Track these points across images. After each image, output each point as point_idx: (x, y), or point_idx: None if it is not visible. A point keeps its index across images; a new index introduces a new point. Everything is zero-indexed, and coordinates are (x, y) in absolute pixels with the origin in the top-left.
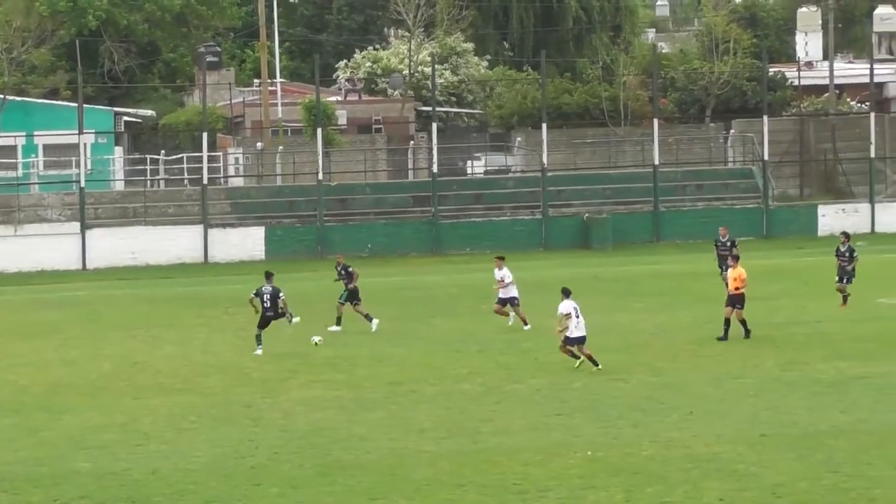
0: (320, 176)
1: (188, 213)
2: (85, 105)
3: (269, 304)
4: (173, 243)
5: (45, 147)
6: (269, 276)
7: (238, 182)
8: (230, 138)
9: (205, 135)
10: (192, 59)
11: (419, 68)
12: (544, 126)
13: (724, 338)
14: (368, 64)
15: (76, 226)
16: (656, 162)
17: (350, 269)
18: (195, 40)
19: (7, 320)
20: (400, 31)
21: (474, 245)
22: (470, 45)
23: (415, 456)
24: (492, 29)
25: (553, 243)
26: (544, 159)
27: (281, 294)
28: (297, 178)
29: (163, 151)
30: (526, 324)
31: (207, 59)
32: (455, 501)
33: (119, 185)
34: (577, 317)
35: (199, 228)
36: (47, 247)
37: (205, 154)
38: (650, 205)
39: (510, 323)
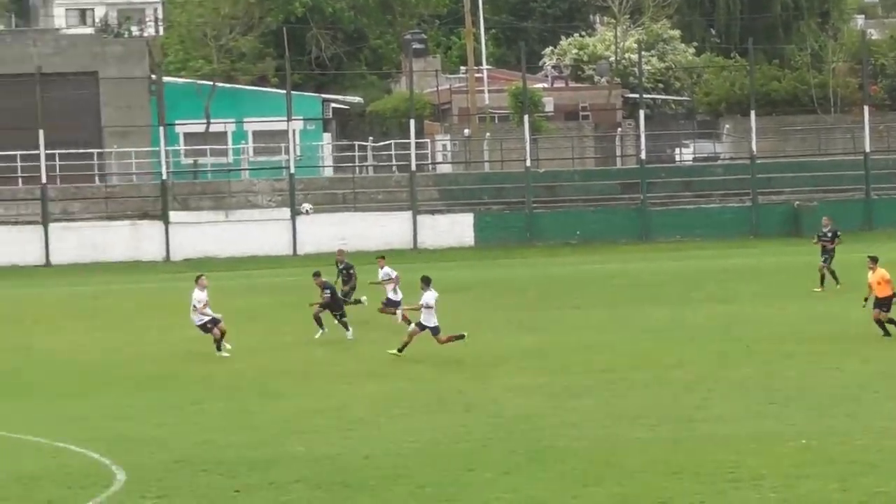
0: (528, 163)
1: (397, 200)
2: (293, 92)
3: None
4: (382, 229)
5: (255, 133)
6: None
7: (446, 168)
8: (437, 125)
9: (412, 122)
10: (398, 46)
11: (625, 55)
12: (752, 113)
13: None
14: (574, 51)
15: (286, 211)
16: (867, 149)
17: (352, 271)
18: (401, 27)
19: (218, 305)
20: (605, 17)
21: (684, 232)
22: (676, 32)
23: (627, 443)
24: (698, 16)
25: (763, 231)
26: (753, 146)
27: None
28: (504, 165)
29: (371, 138)
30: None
31: (414, 46)
32: (669, 489)
33: (328, 172)
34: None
35: (408, 214)
36: (258, 232)
37: (412, 141)
38: (861, 192)
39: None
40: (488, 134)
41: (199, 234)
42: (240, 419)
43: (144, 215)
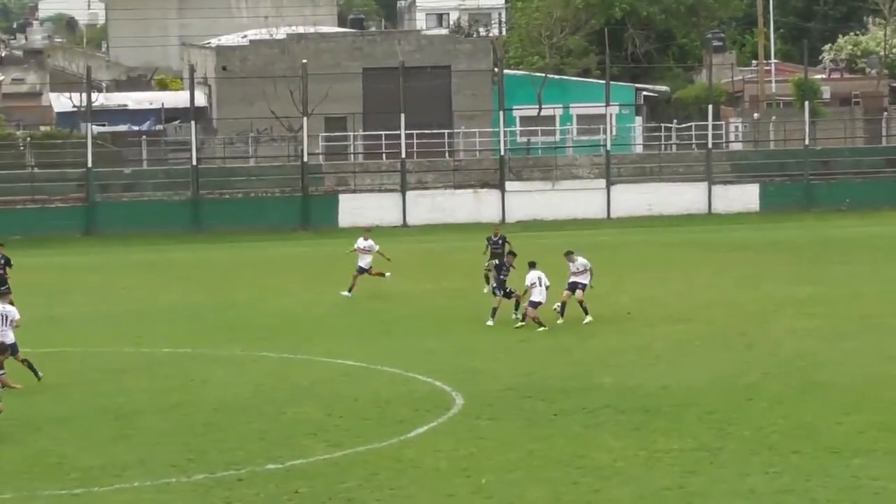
0: (807, 141)
1: (695, 173)
2: (611, 82)
3: None
4: (682, 197)
5: (578, 117)
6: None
7: (737, 146)
8: (731, 109)
9: (710, 107)
10: (700, 44)
11: (893, 50)
12: None
13: None
14: (850, 47)
15: (602, 182)
16: None
17: (510, 250)
18: (703, 28)
19: (550, 259)
20: (877, 18)
21: None
22: None
23: (885, 379)
24: None
25: None
26: None
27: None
28: (787, 144)
29: (675, 121)
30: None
31: (714, 44)
32: None
33: (638, 149)
34: (540, 285)
35: (704, 185)
36: (578, 199)
37: (710, 123)
38: None
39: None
40: (774, 117)
41: (529, 200)
42: (558, 355)
43: (485, 184)
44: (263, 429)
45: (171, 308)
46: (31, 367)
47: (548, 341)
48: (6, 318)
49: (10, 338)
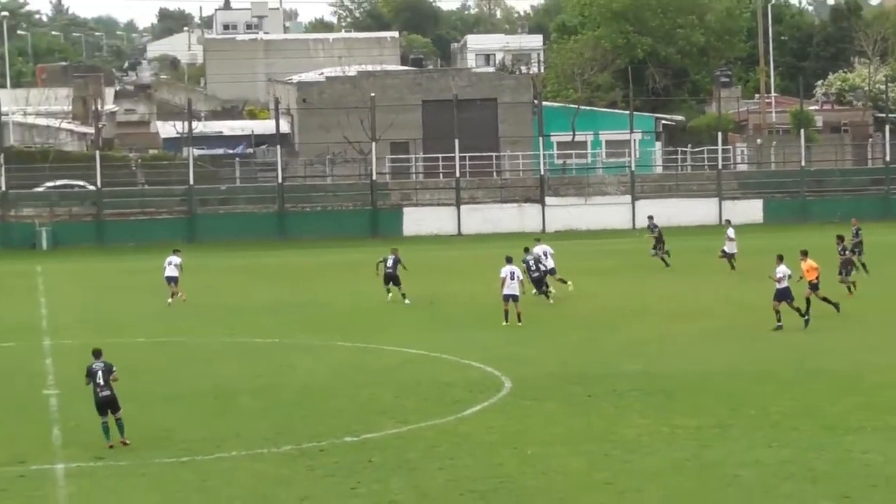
0: (803, 163)
1: (707, 190)
2: (634, 113)
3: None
4: (696, 211)
5: (607, 142)
6: None
7: (743, 167)
8: (738, 136)
9: (719, 134)
10: (710, 80)
11: (877, 86)
12: None
13: None
14: (839, 83)
15: (628, 198)
16: None
17: (660, 235)
18: (713, 66)
19: (573, 265)
20: (862, 59)
21: None
22: None
23: (870, 366)
24: None
25: None
26: None
27: None
28: (786, 165)
29: (689, 145)
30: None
31: (722, 80)
32: None
33: (658, 170)
34: (512, 279)
35: (715, 200)
36: (607, 212)
37: (719, 147)
38: None
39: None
40: (774, 143)
41: (565, 213)
42: (591, 345)
43: (527, 199)
44: (341, 407)
45: (260, 304)
46: None
47: (581, 334)
48: None
49: None
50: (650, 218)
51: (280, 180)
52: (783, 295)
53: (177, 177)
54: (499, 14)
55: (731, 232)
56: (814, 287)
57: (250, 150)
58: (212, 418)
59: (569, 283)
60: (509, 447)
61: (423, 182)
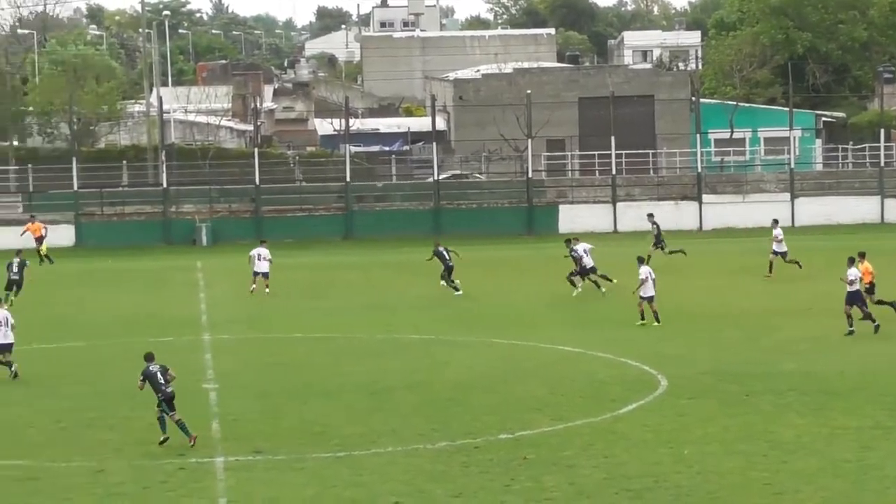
0: None
1: (868, 188)
2: (794, 109)
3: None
4: (857, 209)
5: (765, 139)
6: None
7: None
8: None
9: (882, 131)
10: (873, 76)
11: None
12: None
13: None
14: None
15: (787, 195)
16: None
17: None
18: (875, 62)
19: (741, 261)
20: None
21: None
22: None
23: None
24: None
25: None
26: None
27: None
28: None
29: (850, 142)
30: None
31: (885, 76)
32: None
33: (818, 167)
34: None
35: (877, 198)
36: (765, 210)
37: (881, 144)
38: None
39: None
40: None
41: (722, 210)
42: (745, 343)
43: (684, 197)
44: (496, 404)
45: (416, 301)
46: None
47: (736, 332)
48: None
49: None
50: (650, 216)
51: (436, 177)
52: (854, 298)
53: (334, 174)
54: (656, 10)
55: (777, 232)
56: (867, 291)
57: (406, 148)
58: (367, 414)
59: (614, 280)
60: (665, 446)
61: (579, 179)
